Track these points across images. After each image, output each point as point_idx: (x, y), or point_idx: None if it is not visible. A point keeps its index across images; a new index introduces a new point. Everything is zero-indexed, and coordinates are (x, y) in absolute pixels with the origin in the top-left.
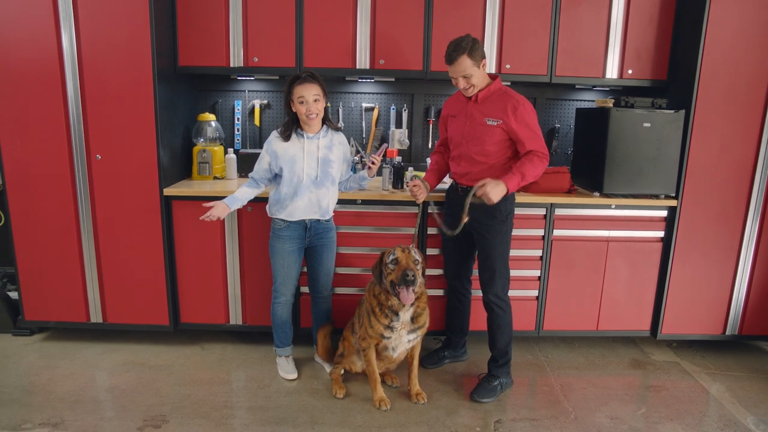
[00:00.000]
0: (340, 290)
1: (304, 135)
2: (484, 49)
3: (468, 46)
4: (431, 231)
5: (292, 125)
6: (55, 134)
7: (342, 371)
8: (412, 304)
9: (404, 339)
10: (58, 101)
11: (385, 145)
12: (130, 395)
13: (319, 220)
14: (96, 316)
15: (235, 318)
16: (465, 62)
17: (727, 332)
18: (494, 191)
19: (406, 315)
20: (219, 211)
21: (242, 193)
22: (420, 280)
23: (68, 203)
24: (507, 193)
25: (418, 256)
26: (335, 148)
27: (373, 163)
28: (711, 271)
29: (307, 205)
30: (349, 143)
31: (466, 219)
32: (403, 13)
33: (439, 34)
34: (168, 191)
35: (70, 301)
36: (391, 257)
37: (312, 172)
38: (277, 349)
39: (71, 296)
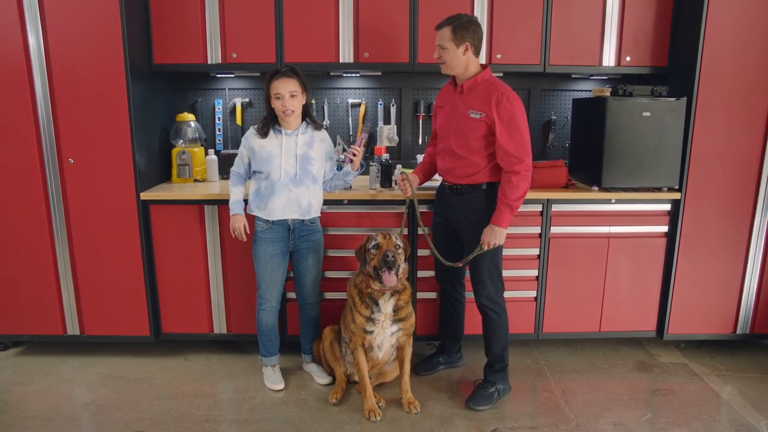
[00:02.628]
0: (328, 295)
1: (282, 131)
2: None
3: (457, 21)
4: (422, 232)
5: (269, 121)
6: (24, 138)
7: (347, 370)
8: (392, 295)
9: (387, 332)
10: (26, 103)
11: (364, 134)
12: (107, 411)
13: (302, 221)
14: (73, 329)
15: (219, 327)
16: (445, 33)
17: (738, 331)
18: (495, 238)
19: (387, 306)
20: (241, 223)
21: (237, 194)
22: (403, 265)
23: (40, 210)
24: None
25: (399, 242)
26: (316, 145)
27: (354, 154)
28: (719, 266)
29: (286, 204)
30: (336, 141)
31: (459, 264)
32: (388, 2)
33: (426, 24)
34: (145, 195)
35: (45, 313)
36: (373, 243)
37: (290, 170)
38: (263, 359)
39: (46, 308)
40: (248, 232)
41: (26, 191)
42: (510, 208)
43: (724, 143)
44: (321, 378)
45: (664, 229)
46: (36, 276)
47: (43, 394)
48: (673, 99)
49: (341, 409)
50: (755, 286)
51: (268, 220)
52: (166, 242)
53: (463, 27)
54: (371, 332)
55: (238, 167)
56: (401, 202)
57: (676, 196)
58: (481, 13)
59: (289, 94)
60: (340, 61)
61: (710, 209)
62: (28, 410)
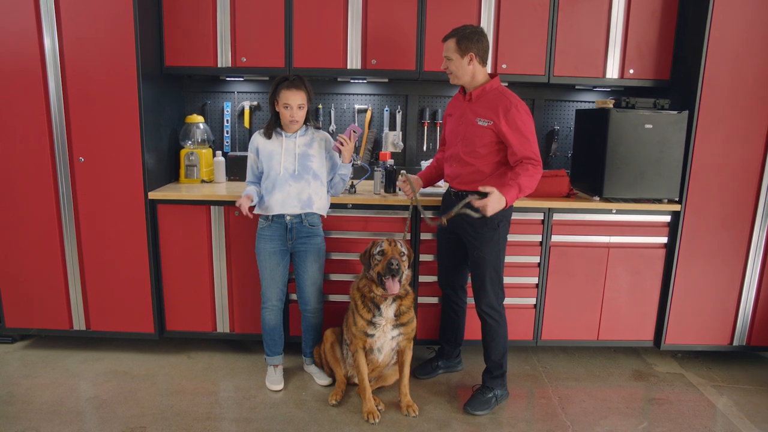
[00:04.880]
0: (331, 297)
1: (283, 134)
2: None
3: (462, 33)
4: (425, 237)
5: (274, 124)
6: (37, 136)
7: (347, 372)
8: (394, 300)
9: (388, 336)
10: (39, 102)
11: (354, 126)
12: (111, 406)
13: (301, 220)
14: (79, 324)
15: (222, 326)
16: (450, 44)
17: (735, 343)
18: (494, 205)
19: (388, 311)
20: (247, 201)
21: (250, 188)
22: (406, 272)
23: (50, 207)
24: (505, 206)
25: (404, 249)
26: (315, 144)
27: (341, 143)
28: (717, 278)
29: (285, 198)
30: None
31: (445, 220)
32: (396, 11)
33: (433, 33)
34: (153, 195)
35: (52, 307)
36: (378, 249)
37: (290, 166)
38: (267, 358)
39: (53, 303)
40: (252, 209)
41: (37, 188)
42: (519, 189)
43: (724, 156)
44: (321, 379)
45: (664, 240)
46: (44, 271)
47: (49, 388)
48: (675, 112)
49: (340, 411)
50: (753, 299)
51: (267, 217)
52: (173, 241)
53: (467, 38)
54: (372, 335)
55: (250, 176)
56: (405, 207)
57: (676, 207)
58: (487, 23)
59: (297, 105)
60: (348, 67)
61: (709, 221)
62: (34, 402)
